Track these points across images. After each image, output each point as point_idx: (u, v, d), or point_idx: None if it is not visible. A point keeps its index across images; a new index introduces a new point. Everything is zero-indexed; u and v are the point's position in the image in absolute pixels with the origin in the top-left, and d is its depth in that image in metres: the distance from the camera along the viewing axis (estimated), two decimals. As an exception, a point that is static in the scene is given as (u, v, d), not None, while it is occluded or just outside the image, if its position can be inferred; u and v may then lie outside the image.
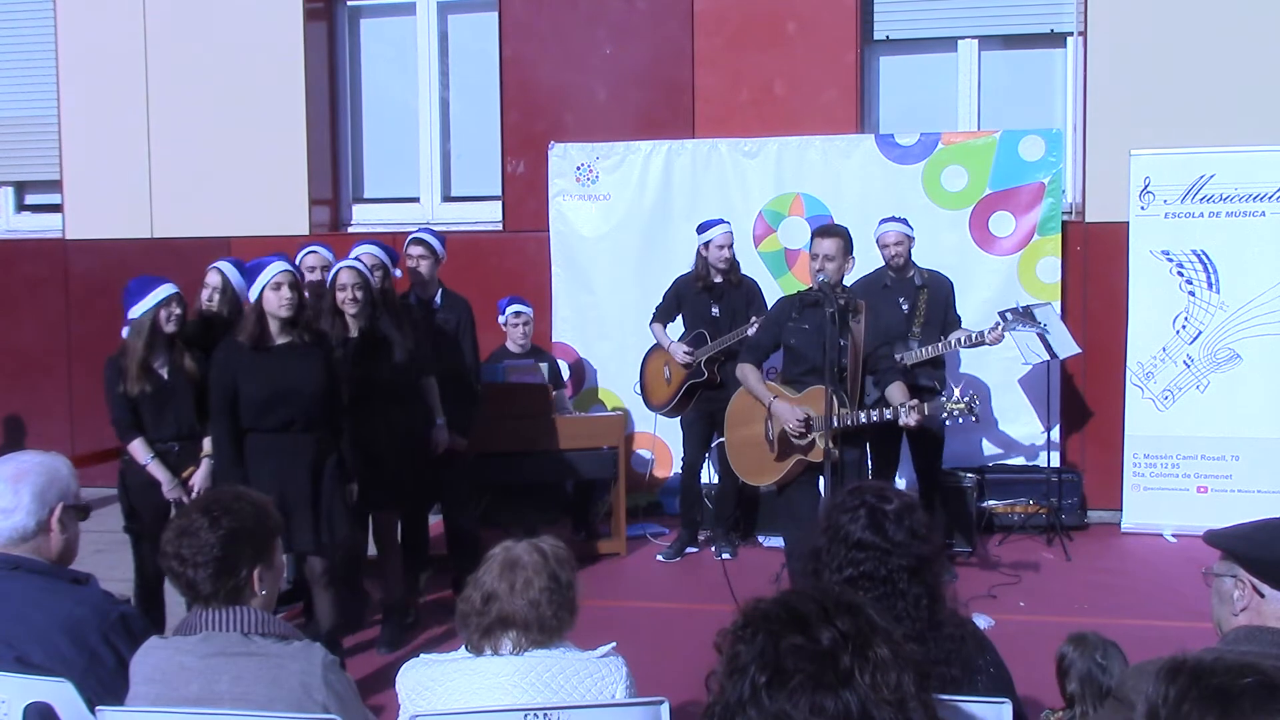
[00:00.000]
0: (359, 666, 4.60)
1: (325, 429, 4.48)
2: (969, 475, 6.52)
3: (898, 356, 5.67)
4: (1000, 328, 5.75)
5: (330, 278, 5.01)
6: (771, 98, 7.55)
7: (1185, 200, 6.68)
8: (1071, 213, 7.24)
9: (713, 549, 6.35)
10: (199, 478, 4.61)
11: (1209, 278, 6.68)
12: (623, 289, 7.43)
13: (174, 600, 4.36)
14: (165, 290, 4.56)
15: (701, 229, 6.32)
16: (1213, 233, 6.65)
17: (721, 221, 6.32)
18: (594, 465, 6.30)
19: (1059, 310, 6.83)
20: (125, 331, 4.61)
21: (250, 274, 4.51)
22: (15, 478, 2.47)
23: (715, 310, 6.30)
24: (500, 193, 7.99)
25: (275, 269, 4.39)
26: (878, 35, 7.66)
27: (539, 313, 7.06)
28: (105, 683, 2.32)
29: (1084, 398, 7.20)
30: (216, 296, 5.11)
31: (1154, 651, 2.04)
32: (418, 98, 8.39)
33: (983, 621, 4.85)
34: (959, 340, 5.83)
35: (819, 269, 4.79)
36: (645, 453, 7.40)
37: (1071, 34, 7.37)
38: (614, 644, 2.47)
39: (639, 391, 6.75)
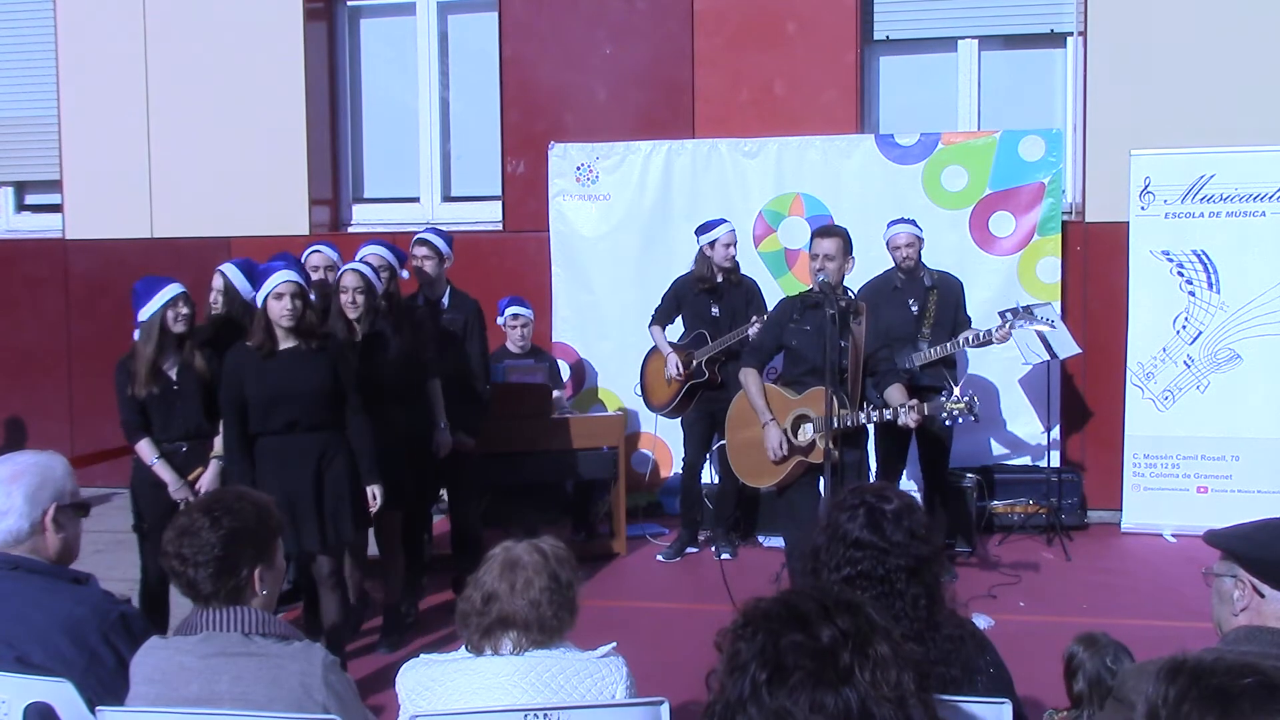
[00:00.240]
0: (359, 666, 4.60)
1: (331, 429, 4.47)
2: (969, 475, 6.52)
3: (908, 359, 5.68)
4: (1007, 325, 5.75)
5: (336, 279, 5.05)
6: (771, 98, 7.55)
7: (1185, 200, 6.68)
8: (1071, 213, 7.24)
9: (713, 549, 6.35)
10: (206, 479, 4.61)
11: (1209, 278, 6.68)
12: (623, 289, 7.43)
13: (179, 602, 4.36)
14: (171, 290, 4.56)
15: (705, 229, 6.31)
16: (1213, 233, 6.65)
17: (724, 221, 6.32)
18: (594, 465, 6.31)
19: (1059, 310, 6.83)
20: (136, 334, 4.64)
21: (262, 276, 4.52)
22: (8, 479, 2.47)
23: (715, 310, 6.30)
24: (500, 193, 8.00)
25: (278, 278, 4.39)
26: (878, 35, 7.66)
27: (539, 313, 7.07)
28: (105, 683, 2.32)
29: (1084, 398, 7.20)
30: (220, 299, 5.12)
31: (1154, 651, 2.04)
32: (418, 98, 8.40)
33: (983, 621, 4.85)
34: (967, 340, 5.82)
35: (819, 269, 4.80)
36: (646, 453, 7.40)
37: (1071, 34, 7.37)
38: (614, 644, 2.47)
39: (639, 392, 6.75)
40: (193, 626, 2.27)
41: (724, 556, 6.15)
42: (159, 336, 4.53)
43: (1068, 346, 6.49)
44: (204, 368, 4.61)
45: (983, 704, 2.07)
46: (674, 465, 7.21)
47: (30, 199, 8.98)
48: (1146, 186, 6.73)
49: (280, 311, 4.35)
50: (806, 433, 4.75)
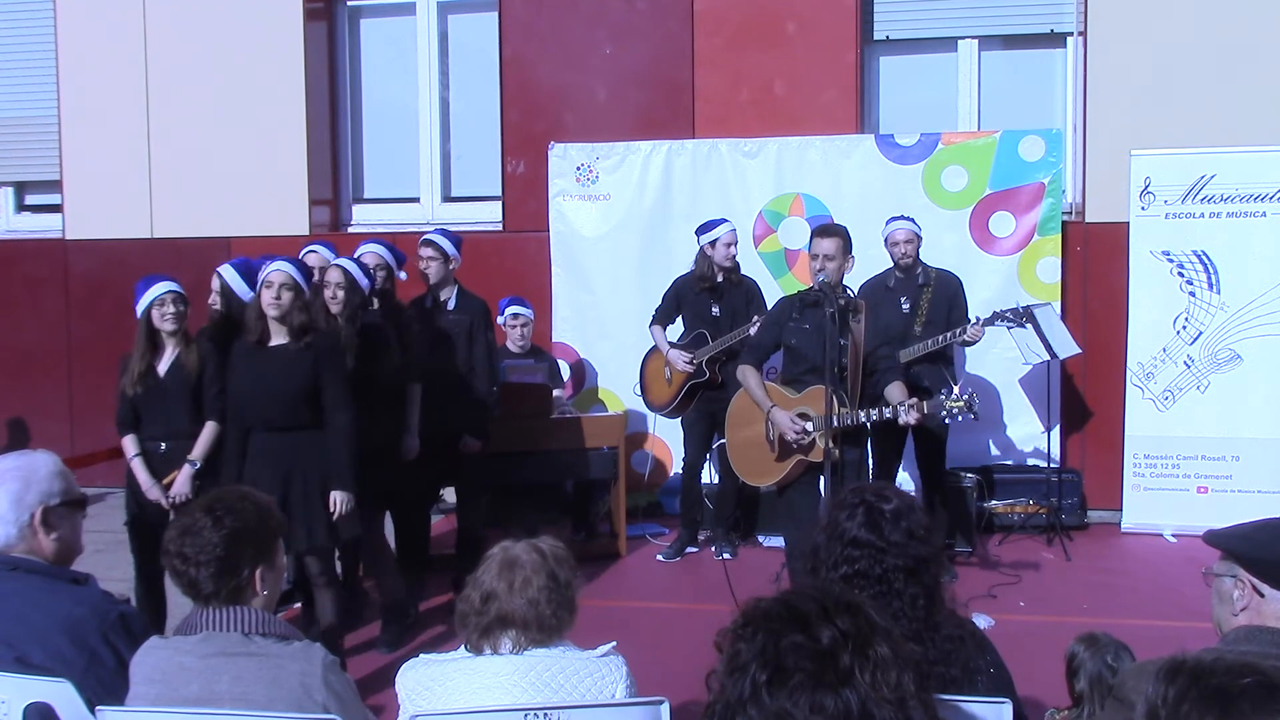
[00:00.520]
0: (359, 666, 4.60)
1: (306, 430, 4.40)
2: (969, 475, 6.52)
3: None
4: (979, 323, 5.75)
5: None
6: (771, 98, 7.55)
7: (1186, 200, 6.68)
8: (1071, 213, 7.24)
9: (713, 549, 6.36)
10: (178, 482, 4.58)
11: (1209, 278, 6.67)
12: (623, 289, 7.43)
13: (177, 599, 4.36)
14: (158, 289, 4.59)
15: (705, 228, 6.31)
16: (1213, 233, 6.65)
17: (725, 220, 6.32)
18: (594, 465, 6.31)
19: (1059, 310, 6.83)
20: None
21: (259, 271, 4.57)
22: None
23: (715, 310, 6.30)
24: (500, 193, 8.00)
25: (271, 268, 4.42)
26: (878, 35, 7.66)
27: (539, 313, 7.07)
28: (105, 683, 2.32)
29: (1084, 398, 7.20)
30: (219, 301, 5.12)
31: (1154, 651, 2.04)
32: (418, 98, 8.40)
33: (983, 621, 4.85)
34: (943, 338, 5.81)
35: (819, 269, 4.79)
36: (646, 453, 7.40)
37: (1071, 34, 7.37)
38: (614, 644, 2.47)
39: (639, 392, 6.75)
40: (193, 626, 2.27)
41: (724, 556, 6.15)
42: (145, 335, 4.58)
43: (1068, 346, 6.49)
44: (194, 368, 4.60)
45: (983, 704, 2.07)
46: (674, 465, 7.21)
47: (30, 199, 8.98)
48: (1147, 187, 6.73)
49: (267, 300, 4.36)
50: (806, 431, 4.74)
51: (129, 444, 4.65)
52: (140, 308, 4.59)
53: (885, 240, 6.05)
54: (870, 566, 2.20)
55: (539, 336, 7.06)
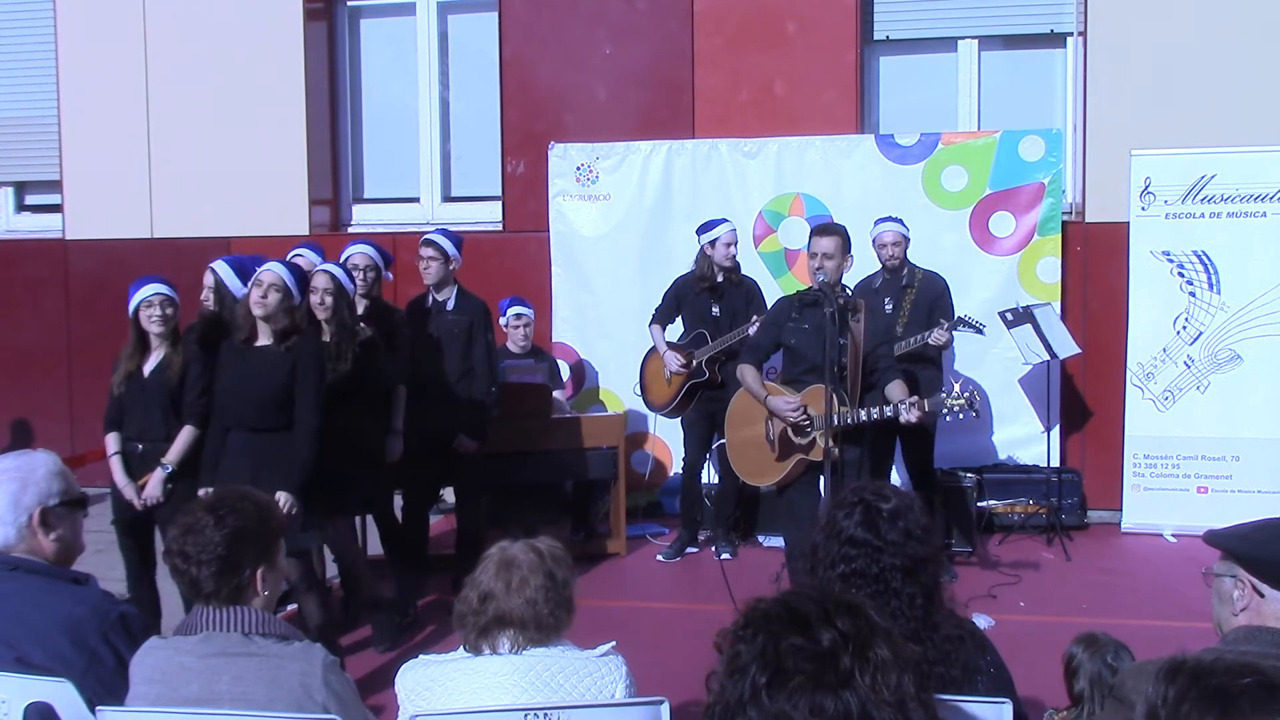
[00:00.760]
0: (359, 666, 4.60)
1: (279, 432, 4.38)
2: (969, 475, 6.52)
3: None
4: (945, 327, 5.75)
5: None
6: (771, 98, 7.55)
7: (1186, 201, 6.68)
8: (1071, 213, 7.24)
9: (713, 549, 6.35)
10: (149, 485, 4.57)
11: (1210, 278, 6.67)
12: (623, 289, 7.43)
13: (173, 601, 4.36)
14: (146, 290, 4.61)
15: (705, 228, 6.32)
16: (1213, 233, 6.65)
17: (725, 220, 6.33)
18: (594, 465, 6.31)
19: (1059, 310, 6.83)
20: None
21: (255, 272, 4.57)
22: None
23: (715, 310, 6.30)
24: (500, 193, 8.00)
25: (264, 268, 4.45)
26: (878, 35, 7.66)
27: (539, 313, 7.07)
28: (105, 683, 2.32)
29: (1084, 398, 7.20)
30: (211, 296, 5.10)
31: (1154, 651, 2.05)
32: (418, 98, 8.40)
33: (983, 621, 4.85)
34: (914, 340, 5.80)
35: (818, 268, 4.79)
36: (646, 453, 7.40)
37: (1071, 34, 7.37)
38: (614, 643, 2.47)
39: (639, 392, 6.75)
40: (193, 626, 2.28)
41: (724, 556, 6.15)
42: (135, 335, 4.61)
43: (1068, 346, 6.49)
44: (177, 370, 4.59)
45: (983, 704, 2.07)
46: (674, 465, 7.21)
47: (30, 199, 8.98)
48: (1147, 187, 6.73)
49: (255, 298, 4.38)
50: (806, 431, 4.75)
51: (110, 442, 4.69)
52: (130, 308, 4.62)
53: (873, 241, 6.04)
54: (867, 565, 2.20)
55: (539, 336, 7.06)
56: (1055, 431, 6.98)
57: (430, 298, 5.74)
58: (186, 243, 7.95)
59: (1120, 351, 6.83)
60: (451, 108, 8.46)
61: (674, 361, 6.30)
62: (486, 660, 2.40)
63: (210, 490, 4.19)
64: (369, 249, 5.37)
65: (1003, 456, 7.12)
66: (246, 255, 5.50)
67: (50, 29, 8.45)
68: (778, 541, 6.24)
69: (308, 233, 7.85)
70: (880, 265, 6.07)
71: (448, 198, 8.43)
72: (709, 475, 6.50)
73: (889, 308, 5.94)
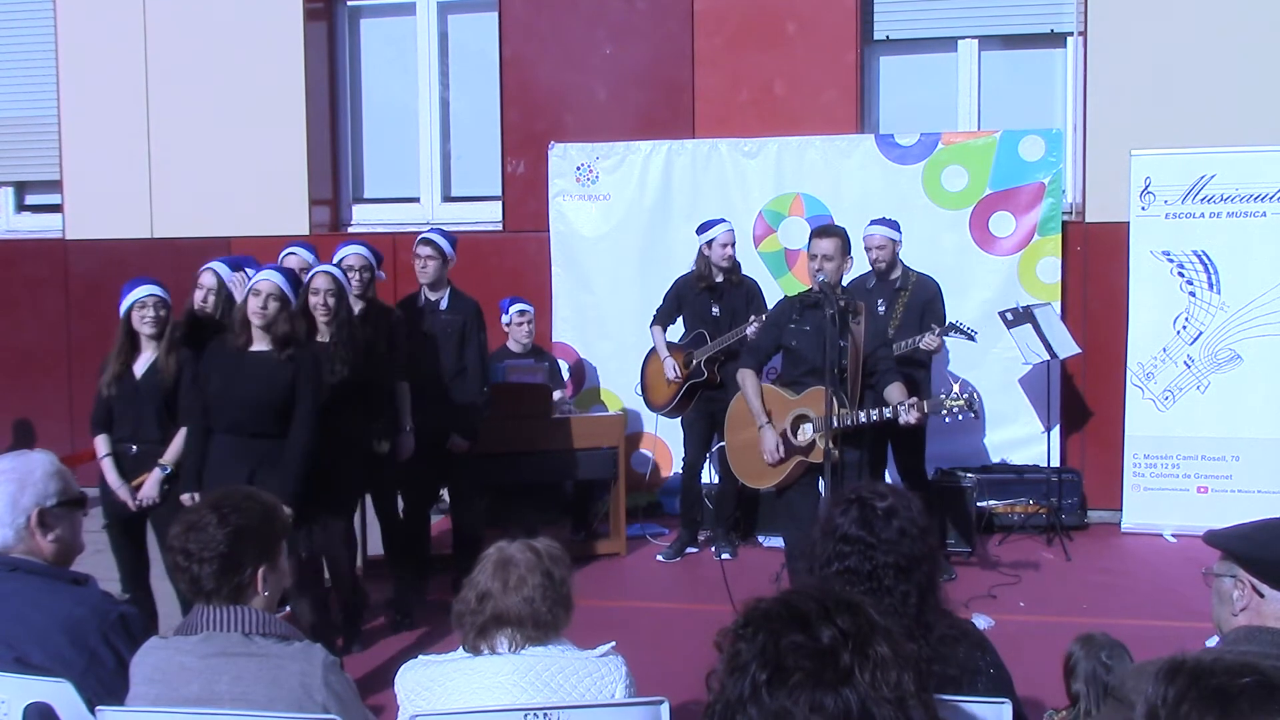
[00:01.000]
0: (358, 666, 4.60)
1: (275, 439, 4.37)
2: (969, 475, 6.51)
3: None
4: (937, 332, 5.75)
5: (307, 280, 4.95)
6: (771, 98, 7.55)
7: (1186, 200, 6.68)
8: (1072, 213, 7.24)
9: (713, 549, 6.35)
10: (146, 486, 4.56)
11: (1210, 278, 6.67)
12: (623, 289, 7.43)
13: (169, 601, 4.35)
14: (139, 292, 4.58)
15: (703, 228, 6.32)
16: (1213, 233, 6.65)
17: (723, 220, 6.33)
18: (594, 465, 6.30)
19: (1059, 310, 6.83)
20: None
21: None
22: None
23: (715, 310, 6.30)
24: (500, 193, 8.00)
25: (261, 276, 4.43)
26: (878, 35, 7.66)
27: (539, 313, 7.07)
28: (105, 683, 2.32)
29: (1084, 398, 7.20)
30: (211, 297, 5.09)
31: (1154, 651, 2.05)
32: (418, 98, 8.40)
33: (983, 621, 4.85)
34: (905, 344, 5.78)
35: (818, 269, 4.80)
36: (646, 453, 7.40)
37: (1071, 34, 7.37)
38: (613, 643, 2.47)
39: (640, 392, 6.75)
40: (193, 626, 2.28)
41: (724, 556, 6.15)
42: (124, 336, 4.59)
43: (1068, 346, 6.49)
44: (171, 372, 4.57)
45: (983, 704, 2.07)
46: (674, 465, 7.21)
47: (30, 199, 8.98)
48: (1147, 187, 6.73)
49: (253, 308, 4.36)
50: (806, 433, 4.75)
51: (100, 444, 4.66)
52: (122, 309, 4.59)
53: (864, 244, 6.01)
54: (860, 563, 2.20)
55: (539, 337, 7.06)
56: (1055, 431, 6.98)
57: (423, 297, 5.72)
58: (186, 243, 7.95)
59: (1120, 351, 6.83)
60: (451, 108, 8.46)
61: (670, 370, 6.32)
62: (486, 660, 2.40)
63: (195, 495, 4.20)
64: (362, 249, 5.36)
65: (1003, 456, 7.12)
66: (241, 255, 5.49)
67: (50, 29, 8.45)
68: (777, 542, 6.24)
69: (308, 233, 7.85)
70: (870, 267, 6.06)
71: (448, 198, 8.43)
72: (709, 475, 6.50)
73: (881, 309, 5.93)
